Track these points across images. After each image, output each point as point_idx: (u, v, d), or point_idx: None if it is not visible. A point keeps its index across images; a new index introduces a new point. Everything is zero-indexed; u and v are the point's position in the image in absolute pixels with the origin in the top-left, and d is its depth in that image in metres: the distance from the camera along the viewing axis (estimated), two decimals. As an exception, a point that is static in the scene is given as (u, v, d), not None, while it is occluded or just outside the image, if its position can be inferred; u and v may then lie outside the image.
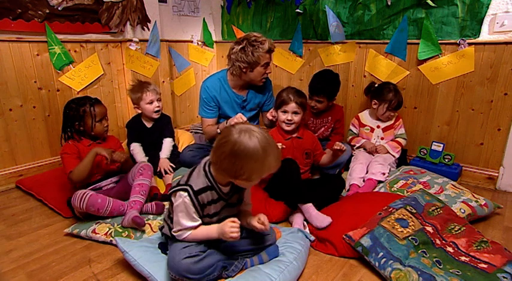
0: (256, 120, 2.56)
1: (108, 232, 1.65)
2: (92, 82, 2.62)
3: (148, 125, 2.37)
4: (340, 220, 1.66)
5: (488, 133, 2.27)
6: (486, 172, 2.31)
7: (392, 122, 2.43)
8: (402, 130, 2.44)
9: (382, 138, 2.43)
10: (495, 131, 2.24)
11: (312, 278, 1.42)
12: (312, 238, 1.60)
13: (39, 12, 2.26)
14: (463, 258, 1.44)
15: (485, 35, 2.17)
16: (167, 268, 1.27)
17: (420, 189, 1.92)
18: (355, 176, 2.17)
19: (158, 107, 2.30)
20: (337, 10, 2.68)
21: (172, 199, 1.30)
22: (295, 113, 1.92)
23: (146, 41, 2.79)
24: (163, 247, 1.45)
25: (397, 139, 2.41)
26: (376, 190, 2.08)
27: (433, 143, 2.39)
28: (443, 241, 1.54)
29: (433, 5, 2.26)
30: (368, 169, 2.24)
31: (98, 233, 1.64)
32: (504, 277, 1.31)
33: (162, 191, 2.02)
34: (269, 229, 1.48)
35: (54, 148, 2.48)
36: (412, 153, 2.54)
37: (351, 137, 2.55)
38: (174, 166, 2.22)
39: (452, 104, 2.36)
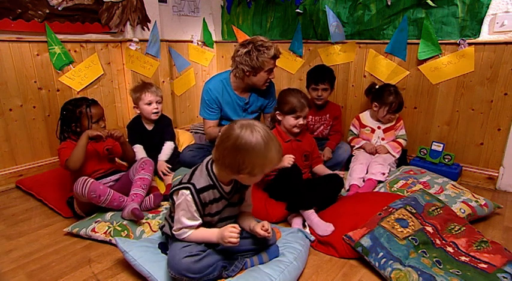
0: None
1: (107, 231, 1.65)
2: (92, 82, 2.62)
3: (149, 127, 2.36)
4: (341, 221, 1.66)
5: (488, 133, 2.27)
6: (486, 172, 2.31)
7: (393, 123, 2.43)
8: (403, 131, 2.44)
9: (382, 139, 2.43)
10: (495, 131, 2.24)
11: (312, 278, 1.42)
12: (312, 238, 1.60)
13: (39, 12, 2.26)
14: (463, 258, 1.44)
15: (485, 35, 2.17)
16: (167, 267, 1.27)
17: (420, 189, 1.92)
18: (355, 176, 2.17)
19: (156, 109, 2.28)
20: (337, 10, 2.68)
21: (174, 197, 1.31)
22: (305, 117, 1.93)
23: (146, 41, 2.80)
24: (163, 246, 1.45)
25: (397, 140, 2.41)
26: (376, 190, 2.08)
27: (433, 143, 2.39)
28: (443, 241, 1.54)
29: (433, 5, 2.26)
30: (368, 169, 2.24)
31: (97, 232, 1.65)
32: (504, 277, 1.31)
33: (162, 192, 2.02)
34: (270, 230, 1.48)
35: (54, 148, 2.48)
36: (412, 153, 2.54)
37: (351, 137, 2.55)
38: (170, 167, 2.22)
39: (452, 104, 2.36)
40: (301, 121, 1.92)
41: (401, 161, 2.42)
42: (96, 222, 1.70)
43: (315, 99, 2.48)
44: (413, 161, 2.42)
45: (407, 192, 1.95)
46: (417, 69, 2.44)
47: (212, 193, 1.29)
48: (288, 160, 1.77)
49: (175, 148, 2.43)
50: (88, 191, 1.65)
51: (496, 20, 2.10)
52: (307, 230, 1.69)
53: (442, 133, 2.44)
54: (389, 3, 2.44)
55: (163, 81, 3.01)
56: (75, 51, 2.50)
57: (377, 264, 1.39)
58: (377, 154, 2.35)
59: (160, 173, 2.18)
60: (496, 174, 2.27)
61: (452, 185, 1.98)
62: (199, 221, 1.30)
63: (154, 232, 1.66)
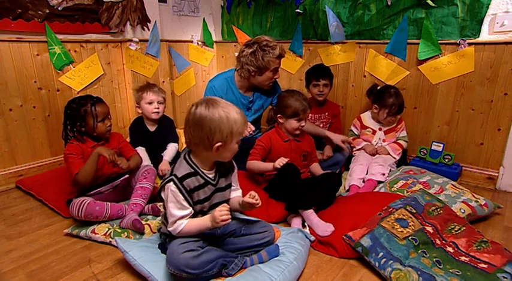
0: (260, 121, 2.55)
1: (107, 232, 1.65)
2: (92, 82, 2.62)
3: (151, 128, 2.36)
4: (341, 221, 1.66)
5: (488, 133, 2.27)
6: (486, 172, 2.31)
7: (394, 125, 2.42)
8: (404, 133, 2.43)
9: (383, 141, 2.43)
10: (495, 131, 2.24)
11: (312, 278, 1.42)
12: (312, 238, 1.60)
13: (39, 12, 2.26)
14: (463, 258, 1.44)
15: (485, 35, 2.17)
16: (166, 264, 1.26)
17: (420, 189, 1.92)
18: (355, 177, 2.17)
19: (157, 108, 2.28)
20: (337, 10, 2.68)
21: (162, 194, 1.34)
22: (306, 118, 1.95)
23: (146, 41, 2.80)
24: (163, 247, 1.45)
25: (398, 141, 2.41)
26: (376, 190, 2.08)
27: (433, 143, 2.39)
28: (443, 241, 1.54)
29: (433, 5, 2.26)
30: (368, 169, 2.24)
31: (97, 234, 1.64)
32: (504, 277, 1.31)
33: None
34: (268, 227, 1.49)
35: (54, 148, 2.49)
36: (412, 153, 2.54)
37: (351, 138, 2.54)
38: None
39: (452, 104, 2.36)
40: (303, 123, 1.94)
41: (401, 161, 2.42)
42: (96, 223, 1.70)
43: (316, 95, 2.50)
44: (413, 161, 2.42)
45: (407, 192, 1.95)
46: (417, 69, 2.44)
47: (196, 179, 1.33)
48: (279, 162, 1.78)
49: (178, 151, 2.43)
50: (84, 215, 1.64)
51: (496, 20, 2.10)
52: (307, 230, 1.69)
53: (442, 133, 2.44)
54: (389, 3, 2.44)
55: (163, 81, 3.01)
56: (75, 51, 2.50)
57: (377, 264, 1.39)
58: (377, 155, 2.35)
59: (161, 172, 2.18)
60: (496, 174, 2.27)
61: (452, 185, 1.98)
62: (190, 210, 1.32)
63: (155, 233, 1.66)
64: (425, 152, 2.41)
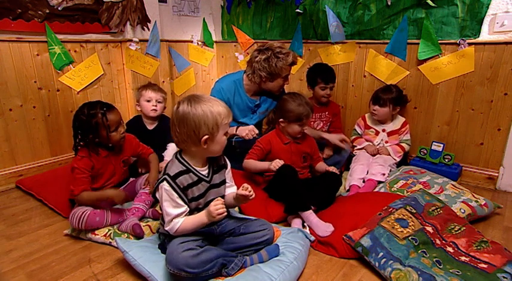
0: (261, 123, 2.55)
1: (107, 233, 1.65)
2: (92, 82, 2.62)
3: (150, 127, 2.36)
4: (341, 221, 1.66)
5: (488, 133, 2.27)
6: (486, 172, 2.31)
7: (398, 126, 2.43)
8: (408, 136, 2.43)
9: (386, 142, 2.43)
10: (495, 131, 2.24)
11: (312, 278, 1.42)
12: (312, 238, 1.60)
13: (39, 12, 2.26)
14: (463, 258, 1.44)
15: (485, 35, 2.17)
16: (166, 263, 1.26)
17: (420, 189, 1.92)
18: (356, 177, 2.17)
19: (155, 106, 2.28)
20: (337, 10, 2.68)
21: (157, 195, 1.35)
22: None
23: (146, 41, 2.80)
24: (163, 247, 1.45)
25: (400, 144, 2.41)
26: (376, 190, 2.08)
27: (433, 143, 2.39)
28: (443, 241, 1.54)
29: (433, 5, 2.26)
30: (368, 169, 2.24)
31: (98, 234, 1.64)
32: (504, 277, 1.31)
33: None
34: (267, 225, 1.49)
35: (54, 148, 2.49)
36: (412, 153, 2.54)
37: (354, 137, 2.55)
38: None
39: (452, 104, 2.36)
40: (305, 127, 1.94)
41: (401, 161, 2.42)
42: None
43: (321, 97, 2.51)
44: (413, 161, 2.42)
45: (407, 192, 1.95)
46: (417, 69, 2.44)
47: (189, 177, 1.33)
48: (274, 164, 1.78)
49: None
50: (85, 227, 1.62)
51: (496, 20, 2.10)
52: (307, 230, 1.69)
53: (442, 133, 2.44)
54: (389, 3, 2.44)
55: (163, 81, 3.01)
56: (75, 51, 2.50)
57: (377, 264, 1.39)
58: (378, 155, 2.35)
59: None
60: (496, 174, 2.27)
61: (452, 185, 1.98)
62: (185, 207, 1.32)
63: (155, 233, 1.66)
64: (425, 152, 2.41)
